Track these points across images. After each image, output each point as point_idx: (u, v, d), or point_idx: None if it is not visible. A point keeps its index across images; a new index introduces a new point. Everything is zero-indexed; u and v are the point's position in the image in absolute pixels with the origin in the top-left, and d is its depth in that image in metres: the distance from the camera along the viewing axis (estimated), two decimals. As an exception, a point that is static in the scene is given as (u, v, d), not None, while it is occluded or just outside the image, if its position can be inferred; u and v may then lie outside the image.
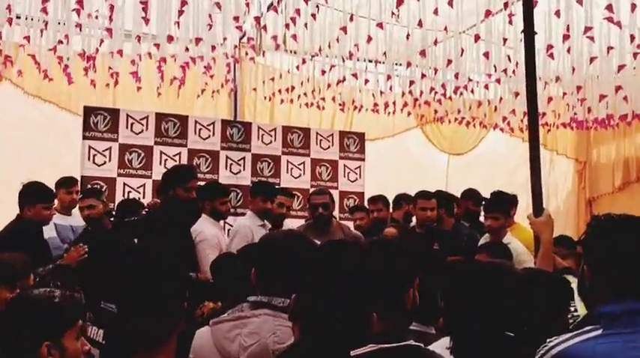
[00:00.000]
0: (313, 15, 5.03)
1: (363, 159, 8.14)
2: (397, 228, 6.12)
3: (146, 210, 5.97)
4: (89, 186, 6.66)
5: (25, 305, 2.18)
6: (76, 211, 6.30)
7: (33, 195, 4.74)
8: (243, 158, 7.56)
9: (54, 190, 5.19)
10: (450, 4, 5.04)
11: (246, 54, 7.62)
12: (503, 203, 5.71)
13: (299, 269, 2.25)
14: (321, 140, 7.95)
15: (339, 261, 2.33)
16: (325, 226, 5.51)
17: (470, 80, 6.56)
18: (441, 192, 6.37)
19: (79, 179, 6.57)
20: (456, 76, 5.93)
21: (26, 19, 5.51)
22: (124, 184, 7.06)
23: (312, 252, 2.45)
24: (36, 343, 2.05)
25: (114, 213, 6.01)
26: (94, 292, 3.79)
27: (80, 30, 5.01)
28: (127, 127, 7.07)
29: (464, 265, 2.78)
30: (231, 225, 6.40)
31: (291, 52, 7.15)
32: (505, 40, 5.67)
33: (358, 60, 6.87)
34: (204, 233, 5.27)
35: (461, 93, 6.81)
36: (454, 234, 6.01)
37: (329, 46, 6.49)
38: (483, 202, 6.54)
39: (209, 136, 7.43)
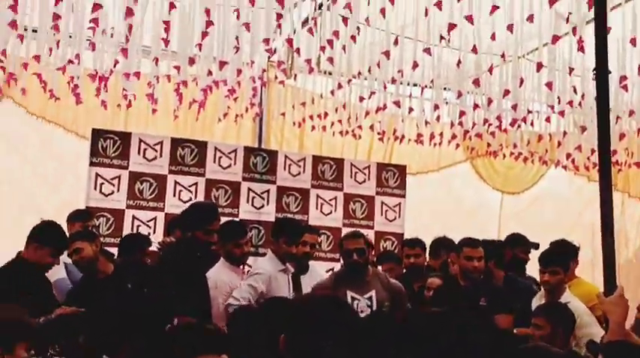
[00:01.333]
0: (353, 37, 5.10)
1: (404, 196, 8.10)
2: (441, 278, 6.10)
3: (158, 247, 6.03)
4: (94, 218, 6.78)
5: None
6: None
7: (47, 238, 4.84)
8: (268, 191, 7.58)
9: (67, 234, 5.28)
10: (510, 29, 5.07)
11: (275, 78, 7.70)
12: (564, 255, 5.66)
13: (338, 343, 2.26)
14: (356, 172, 7.95)
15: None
16: (360, 274, 5.49)
17: (529, 112, 6.55)
18: (490, 241, 6.32)
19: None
20: (514, 107, 5.94)
21: (34, 31, 5.69)
22: (133, 217, 7.08)
23: (354, 322, 2.46)
24: None
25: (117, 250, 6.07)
26: (96, 345, 3.89)
27: (93, 49, 5.16)
28: (138, 153, 7.11)
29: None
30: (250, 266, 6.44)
31: (325, 73, 7.23)
32: (571, 69, 5.69)
33: (402, 84, 6.89)
34: (215, 279, 5.34)
35: (518, 126, 6.81)
36: (507, 288, 5.95)
37: (369, 71, 6.55)
38: (532, 249, 6.53)
39: (230, 165, 7.45)
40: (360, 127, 7.82)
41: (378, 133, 7.89)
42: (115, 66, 5.53)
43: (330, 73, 7.13)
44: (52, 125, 7.85)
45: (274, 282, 5.42)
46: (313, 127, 7.99)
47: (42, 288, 4.94)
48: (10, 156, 7.76)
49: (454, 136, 7.85)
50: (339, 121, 7.73)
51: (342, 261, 5.83)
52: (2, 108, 7.58)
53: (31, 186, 7.82)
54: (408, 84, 7.15)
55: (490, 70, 6.02)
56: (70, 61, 5.16)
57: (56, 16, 4.04)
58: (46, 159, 7.95)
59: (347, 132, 7.95)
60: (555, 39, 5.24)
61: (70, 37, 5.37)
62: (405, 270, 6.65)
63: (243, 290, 5.27)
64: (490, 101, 5.99)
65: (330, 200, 7.86)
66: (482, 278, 5.79)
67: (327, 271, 6.95)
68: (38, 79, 5.98)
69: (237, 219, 7.05)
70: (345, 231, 7.42)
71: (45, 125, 7.83)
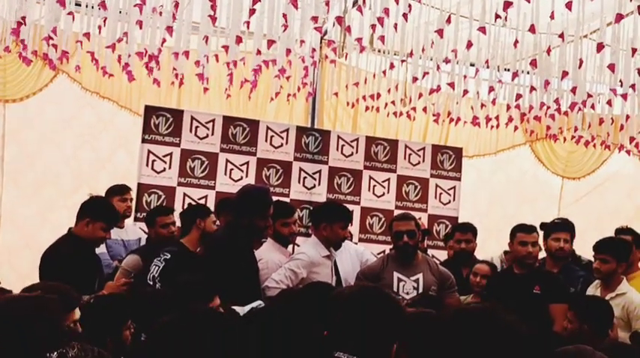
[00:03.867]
0: (404, 15, 5.04)
1: (459, 179, 8.04)
2: (489, 266, 6.04)
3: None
4: (145, 195, 6.93)
5: None
6: (129, 224, 6.59)
7: (98, 211, 4.99)
8: (319, 171, 7.59)
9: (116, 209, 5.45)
10: (569, 6, 4.92)
11: (326, 57, 7.67)
12: (620, 244, 5.51)
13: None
14: (410, 154, 7.91)
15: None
16: (409, 257, 5.49)
17: (590, 96, 6.36)
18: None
19: (135, 187, 6.85)
20: (573, 90, 5.77)
21: (87, 6, 5.81)
22: (184, 195, 7.17)
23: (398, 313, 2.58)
24: None
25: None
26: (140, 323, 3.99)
27: (141, 28, 5.23)
28: (190, 131, 7.19)
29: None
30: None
31: (379, 51, 7.17)
32: (634, 50, 5.49)
33: (458, 63, 6.78)
34: (267, 259, 5.43)
35: (579, 109, 6.63)
36: (565, 276, 5.85)
37: (422, 50, 6.47)
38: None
39: (282, 144, 7.48)
40: (414, 109, 7.73)
41: (433, 115, 7.80)
42: (162, 44, 5.59)
43: (384, 52, 7.07)
44: (106, 101, 8.04)
45: (316, 268, 5.46)
46: (367, 108, 7.93)
47: (92, 264, 5.09)
48: (64, 132, 7.98)
49: (511, 119, 7.70)
50: (393, 102, 7.65)
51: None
52: (58, 83, 7.79)
53: (84, 161, 8.03)
54: (464, 64, 7.01)
55: (548, 51, 5.86)
56: (120, 39, 5.23)
57: (103, -7, 4.11)
58: (99, 134, 8.14)
59: (401, 113, 7.85)
60: (619, 18, 5.06)
61: (120, 12, 5.45)
62: (454, 256, 6.62)
63: (282, 275, 5.32)
64: (547, 83, 5.83)
65: (383, 181, 7.83)
66: (538, 265, 5.71)
67: (379, 253, 6.95)
68: (91, 57, 6.11)
69: (287, 200, 7.12)
70: (397, 213, 7.39)
71: (99, 101, 8.02)
